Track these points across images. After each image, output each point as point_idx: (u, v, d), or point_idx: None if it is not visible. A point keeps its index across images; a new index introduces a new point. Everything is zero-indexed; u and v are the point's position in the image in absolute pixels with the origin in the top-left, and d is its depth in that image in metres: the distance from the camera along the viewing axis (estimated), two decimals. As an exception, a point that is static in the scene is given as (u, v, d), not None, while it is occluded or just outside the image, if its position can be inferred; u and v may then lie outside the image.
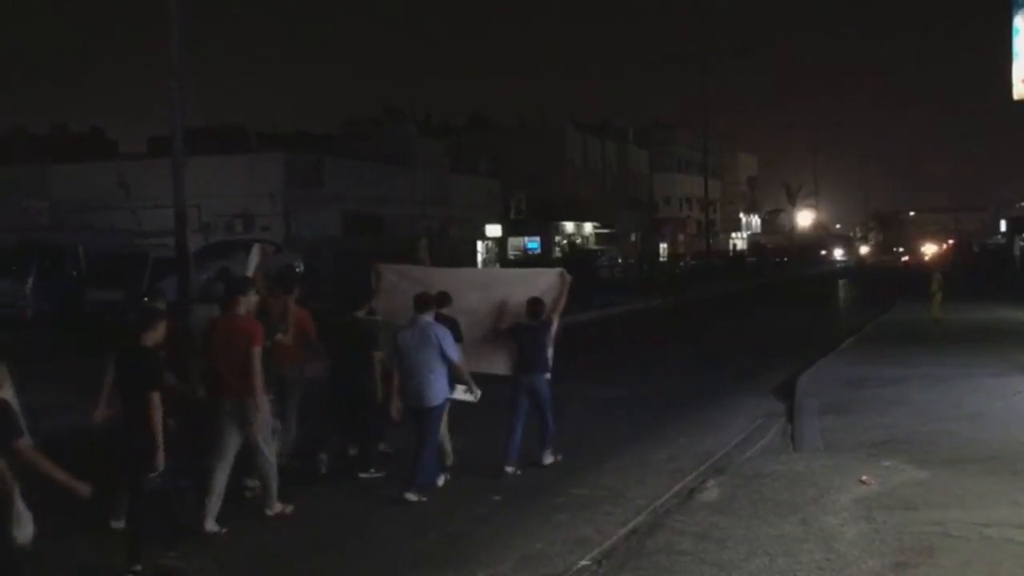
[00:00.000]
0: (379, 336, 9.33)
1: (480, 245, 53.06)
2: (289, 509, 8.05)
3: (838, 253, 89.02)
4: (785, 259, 72.16)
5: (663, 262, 66.50)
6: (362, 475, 9.20)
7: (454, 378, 8.81)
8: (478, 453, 9.75)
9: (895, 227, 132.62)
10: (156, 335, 7.05)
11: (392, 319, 9.44)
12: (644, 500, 8.26)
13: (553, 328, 9.63)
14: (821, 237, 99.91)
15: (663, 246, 77.41)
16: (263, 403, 7.80)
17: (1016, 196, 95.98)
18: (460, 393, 8.94)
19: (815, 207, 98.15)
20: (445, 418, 9.15)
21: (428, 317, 8.72)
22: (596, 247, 60.42)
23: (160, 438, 6.67)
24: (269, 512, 7.99)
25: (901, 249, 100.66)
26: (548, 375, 9.57)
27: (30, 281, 23.76)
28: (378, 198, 42.54)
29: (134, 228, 33.46)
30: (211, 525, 7.54)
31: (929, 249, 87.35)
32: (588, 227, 66.24)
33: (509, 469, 9.25)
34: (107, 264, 24.25)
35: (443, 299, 9.25)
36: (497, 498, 8.52)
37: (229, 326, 7.92)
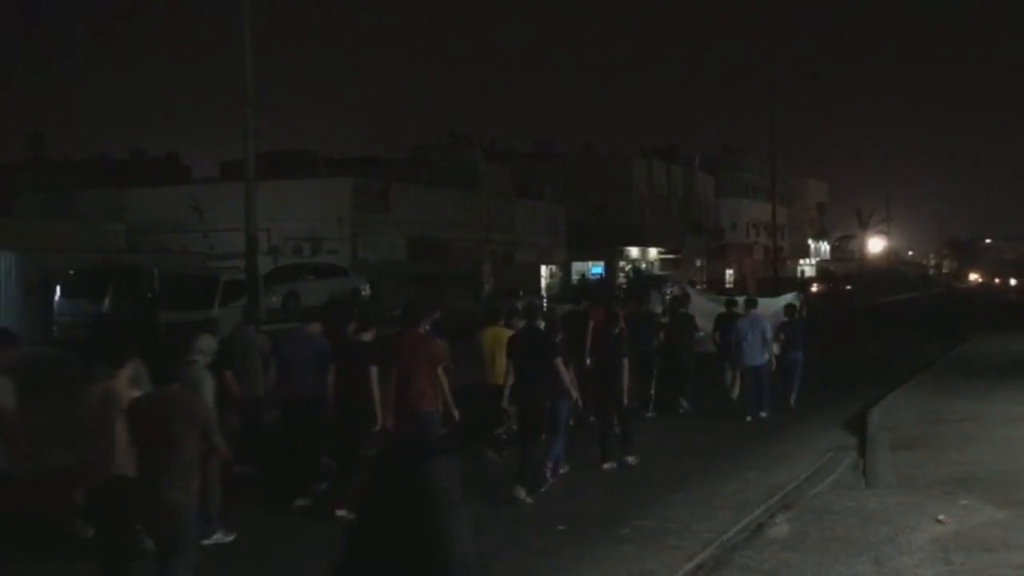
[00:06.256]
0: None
1: (544, 270, 53.09)
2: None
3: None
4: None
5: (729, 288, 65.72)
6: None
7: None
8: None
9: (970, 255, 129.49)
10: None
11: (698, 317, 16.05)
12: (711, 534, 8.12)
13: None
14: (892, 264, 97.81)
15: (729, 272, 76.51)
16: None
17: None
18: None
19: (887, 234, 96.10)
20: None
21: (757, 312, 15.08)
22: (661, 272, 59.98)
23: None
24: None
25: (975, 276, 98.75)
26: (801, 352, 15.21)
27: (106, 301, 24.39)
28: (444, 222, 42.87)
29: (206, 251, 34.22)
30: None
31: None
32: (653, 252, 65.80)
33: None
34: (180, 286, 24.82)
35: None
36: (561, 528, 8.45)
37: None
